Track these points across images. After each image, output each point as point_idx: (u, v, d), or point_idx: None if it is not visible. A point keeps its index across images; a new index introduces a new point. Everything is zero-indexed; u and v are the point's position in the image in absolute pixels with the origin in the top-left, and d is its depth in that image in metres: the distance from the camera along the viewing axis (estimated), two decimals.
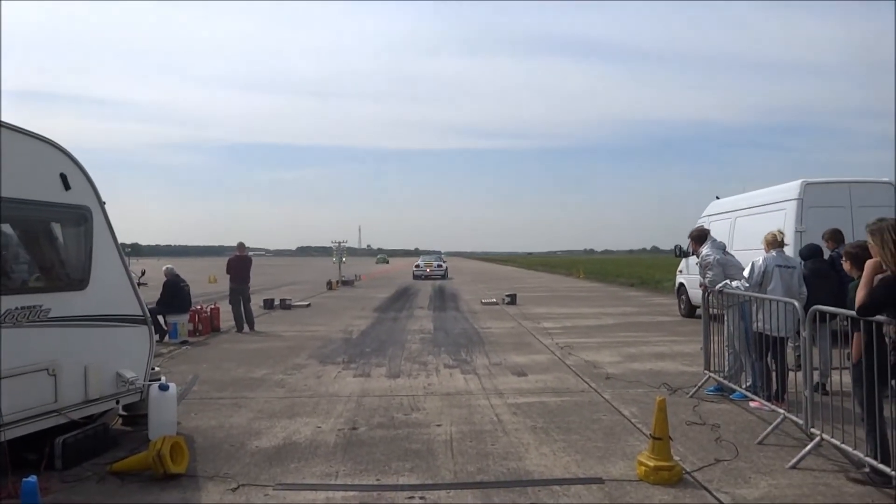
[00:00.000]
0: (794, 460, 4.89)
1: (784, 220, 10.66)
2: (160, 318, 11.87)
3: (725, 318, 7.15)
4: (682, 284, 16.01)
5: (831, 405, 5.07)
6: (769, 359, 6.36)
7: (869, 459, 4.41)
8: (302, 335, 13.03)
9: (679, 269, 16.34)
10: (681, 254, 15.55)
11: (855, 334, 4.58)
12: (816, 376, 6.13)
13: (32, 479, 3.85)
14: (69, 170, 5.27)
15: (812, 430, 5.05)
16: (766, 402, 6.09)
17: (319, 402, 7.15)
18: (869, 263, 4.42)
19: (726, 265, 7.31)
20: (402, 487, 4.53)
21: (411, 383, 8.14)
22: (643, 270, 42.09)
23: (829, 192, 10.95)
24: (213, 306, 14.17)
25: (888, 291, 4.20)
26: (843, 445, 4.70)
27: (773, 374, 6.42)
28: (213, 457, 5.22)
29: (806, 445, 5.01)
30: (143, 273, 10.72)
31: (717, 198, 14.93)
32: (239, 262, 14.17)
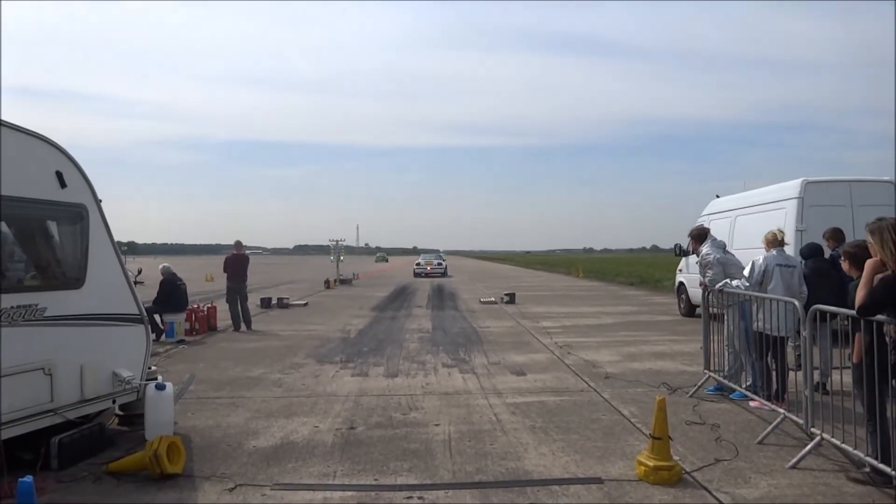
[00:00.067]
0: (795, 460, 4.88)
1: (784, 219, 10.66)
2: (157, 316, 11.82)
3: (725, 317, 7.13)
4: (681, 283, 15.99)
5: (832, 405, 5.08)
6: (769, 358, 6.35)
7: (869, 459, 4.40)
8: (299, 334, 13.00)
9: (679, 267, 16.33)
10: (681, 253, 15.54)
11: (856, 335, 4.56)
12: (817, 376, 6.11)
13: (28, 479, 3.84)
14: (65, 167, 5.24)
15: (812, 429, 5.04)
16: (766, 402, 6.07)
17: (317, 401, 7.13)
18: (869, 263, 4.42)
19: (726, 264, 7.30)
20: (401, 487, 4.52)
21: (409, 383, 8.12)
22: (643, 269, 42.12)
23: (829, 190, 10.94)
24: (209, 305, 14.13)
25: (888, 291, 4.19)
26: (843, 445, 4.68)
27: (774, 373, 6.41)
28: (210, 457, 5.20)
29: (806, 445, 5.00)
30: (139, 272, 10.68)
31: (718, 196, 14.92)
32: (236, 261, 14.13)
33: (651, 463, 4.54)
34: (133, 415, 5.97)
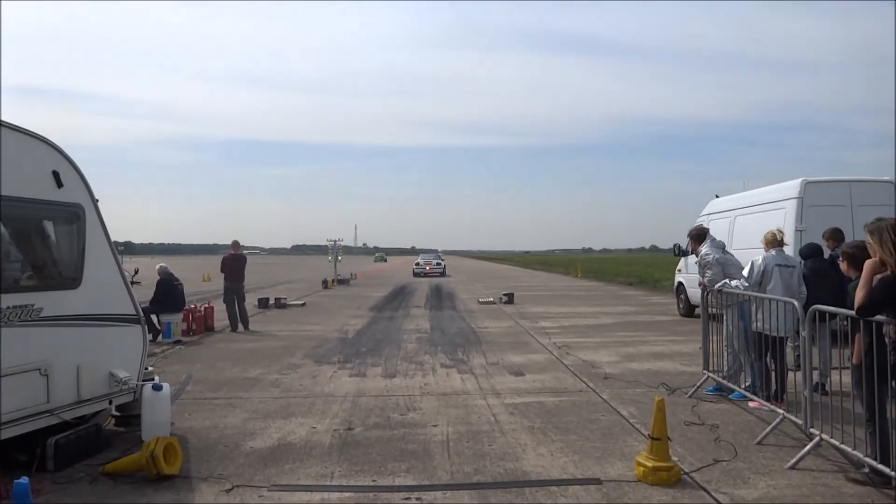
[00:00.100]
0: (794, 461, 4.87)
1: (784, 219, 10.64)
2: (154, 317, 11.78)
3: (724, 317, 7.12)
4: (680, 283, 15.97)
5: (831, 405, 5.07)
6: (768, 358, 6.35)
7: (868, 460, 4.40)
8: (297, 334, 12.97)
9: (678, 268, 16.32)
10: (680, 253, 15.53)
11: (856, 335, 4.55)
12: (816, 376, 6.11)
13: (24, 480, 3.85)
14: (62, 167, 5.21)
15: (811, 430, 5.03)
16: (765, 402, 6.07)
17: (315, 402, 7.10)
18: (868, 263, 4.41)
19: (726, 264, 7.29)
20: (399, 488, 4.50)
21: (408, 383, 8.10)
22: (642, 269, 42.12)
23: (829, 190, 10.93)
24: (207, 305, 14.09)
25: (887, 291, 4.19)
26: (842, 446, 4.68)
27: (773, 373, 6.40)
28: (207, 458, 5.18)
29: (805, 446, 4.99)
30: (136, 272, 10.65)
31: (717, 196, 14.91)
32: (233, 261, 14.10)
33: (650, 463, 4.53)
34: (130, 415, 5.94)
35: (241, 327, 13.59)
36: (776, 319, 5.97)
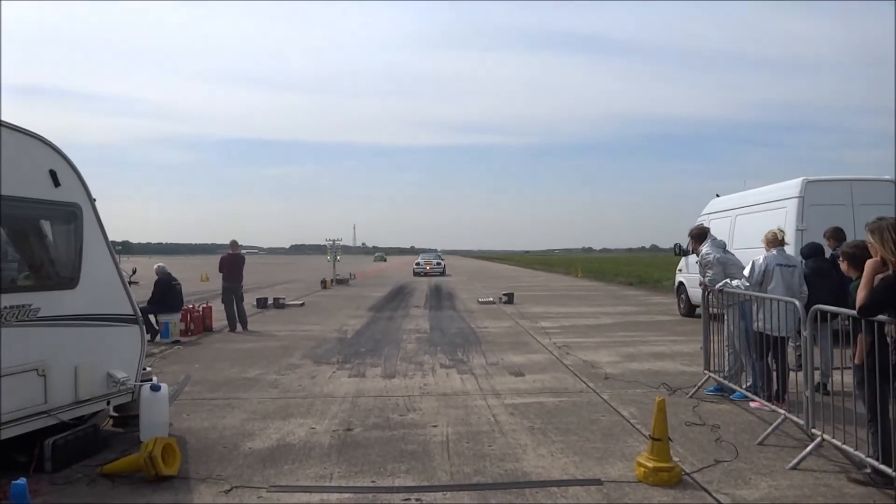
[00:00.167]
0: (795, 461, 4.85)
1: (785, 219, 10.63)
2: (151, 317, 11.76)
3: (725, 317, 7.10)
4: (681, 283, 15.95)
5: (832, 405, 5.04)
6: (770, 359, 6.32)
7: (870, 460, 4.38)
8: (296, 335, 12.94)
9: (678, 267, 16.29)
10: (680, 252, 15.51)
11: (858, 335, 4.52)
12: (817, 376, 6.09)
13: (22, 481, 3.85)
14: (59, 166, 5.19)
15: (813, 430, 5.01)
16: (766, 403, 6.05)
17: (314, 402, 7.08)
18: (869, 263, 4.40)
19: (726, 264, 7.27)
20: (398, 489, 4.48)
21: (407, 383, 8.08)
22: (642, 269, 42.10)
23: (830, 189, 10.91)
24: (205, 305, 14.04)
25: (889, 291, 4.18)
26: (844, 446, 4.66)
27: (774, 374, 6.38)
28: (205, 458, 5.16)
29: (807, 446, 4.97)
30: (134, 271, 10.63)
31: (718, 196, 14.89)
32: (232, 261, 14.06)
33: (651, 464, 4.51)
34: (128, 416, 5.92)
35: (239, 327, 13.56)
36: (777, 319, 5.95)
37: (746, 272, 6.84)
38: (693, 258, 9.45)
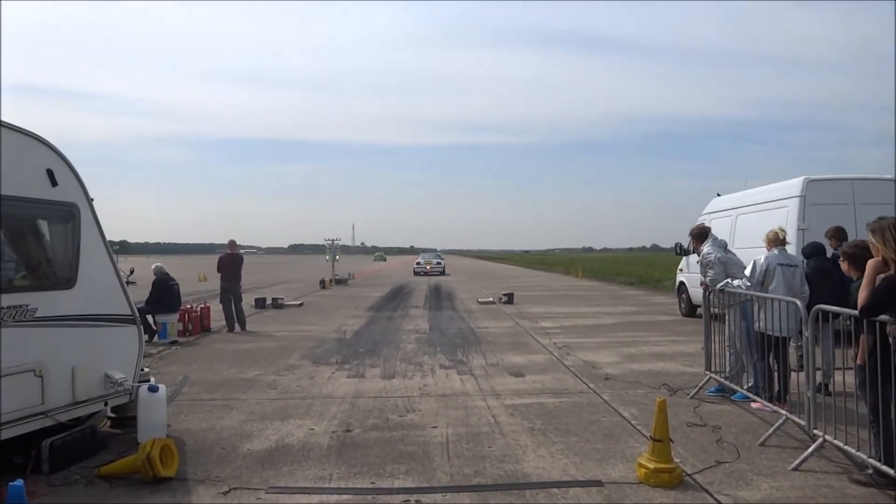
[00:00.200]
0: (797, 462, 4.84)
1: (786, 218, 10.61)
2: (149, 317, 11.72)
3: (727, 317, 7.07)
4: (682, 283, 15.92)
5: (834, 406, 5.03)
6: (771, 359, 6.30)
7: (872, 461, 4.36)
8: (294, 335, 12.91)
9: (679, 267, 16.27)
10: (681, 252, 15.49)
11: (861, 336, 4.51)
12: (819, 377, 6.07)
13: (19, 482, 3.83)
14: (56, 166, 5.17)
15: (815, 431, 4.99)
16: (767, 403, 6.03)
17: (312, 403, 7.06)
18: (871, 263, 4.39)
19: (728, 263, 7.26)
20: (398, 491, 4.47)
21: (406, 384, 8.05)
22: (643, 269, 42.09)
23: (832, 189, 10.88)
24: (203, 305, 13.99)
25: (891, 291, 4.17)
26: (846, 447, 4.64)
27: (775, 374, 6.37)
28: (203, 460, 5.14)
29: (808, 447, 4.95)
30: (131, 271, 10.60)
31: (719, 195, 14.85)
32: (230, 260, 14.02)
33: (652, 465, 4.50)
34: (125, 417, 5.90)
35: (237, 328, 13.52)
36: (779, 319, 5.93)
37: (748, 272, 6.81)
38: (694, 258, 9.42)
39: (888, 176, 11.05)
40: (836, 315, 4.91)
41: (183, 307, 12.86)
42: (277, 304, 18.98)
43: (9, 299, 4.69)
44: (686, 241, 11.03)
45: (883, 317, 4.19)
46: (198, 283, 30.49)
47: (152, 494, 4.42)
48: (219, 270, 14.04)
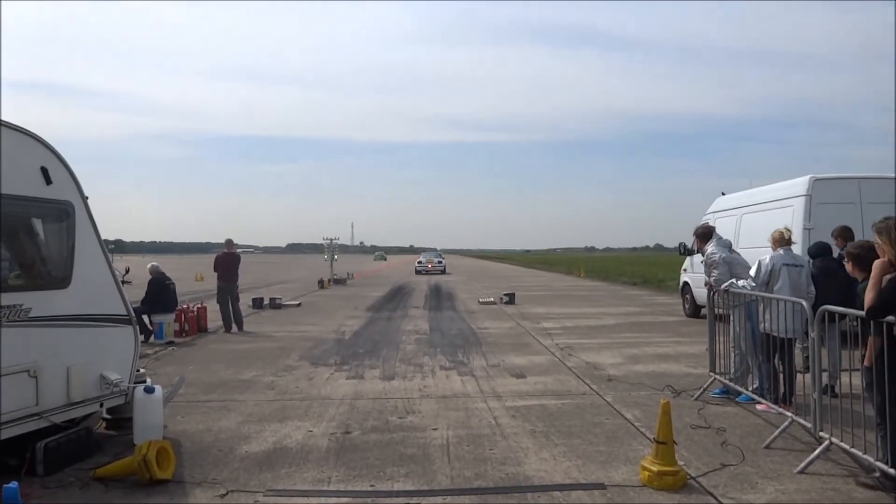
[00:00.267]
0: (803, 465, 4.80)
1: (792, 217, 10.53)
2: (145, 317, 11.66)
3: (731, 318, 7.02)
4: (686, 283, 15.85)
5: (840, 408, 4.97)
6: (776, 360, 6.28)
7: (880, 464, 4.32)
8: (292, 335, 12.86)
9: (683, 267, 16.23)
10: (685, 252, 15.45)
11: (868, 337, 4.46)
12: (825, 378, 6.01)
13: (13, 485, 3.86)
14: (50, 163, 5.12)
15: (821, 433, 4.95)
16: (773, 405, 6.00)
17: (311, 405, 7.01)
18: (877, 264, 4.37)
19: (732, 263, 7.22)
20: (398, 493, 4.44)
21: (406, 385, 8.00)
22: (646, 269, 42.16)
23: (838, 188, 10.81)
24: (199, 305, 13.93)
25: None
26: (852, 449, 4.60)
27: (781, 376, 6.33)
28: (200, 462, 5.10)
29: (814, 449, 4.92)
30: (127, 271, 10.54)
31: (723, 194, 14.80)
32: (227, 260, 13.94)
33: (655, 468, 4.47)
34: (121, 418, 5.84)
35: (235, 328, 13.46)
36: (784, 320, 5.88)
37: (752, 272, 6.76)
38: (698, 258, 9.38)
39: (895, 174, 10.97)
40: (843, 316, 4.87)
41: (179, 307, 12.81)
42: (275, 305, 18.92)
43: (3, 299, 4.63)
44: (690, 241, 10.98)
45: (890, 318, 4.15)
46: (194, 282, 30.50)
47: (148, 497, 4.38)
48: (215, 270, 13.95)
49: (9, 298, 4.69)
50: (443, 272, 44.53)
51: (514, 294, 20.80)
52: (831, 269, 6.97)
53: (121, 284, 5.91)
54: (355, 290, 28.12)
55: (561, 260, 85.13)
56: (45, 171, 5.03)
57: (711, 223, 11.28)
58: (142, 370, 6.32)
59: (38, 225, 5.34)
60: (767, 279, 6.61)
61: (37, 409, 4.84)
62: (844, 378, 6.08)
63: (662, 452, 4.48)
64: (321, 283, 29.56)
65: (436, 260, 47.19)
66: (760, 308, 6.38)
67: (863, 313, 4.34)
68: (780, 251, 6.74)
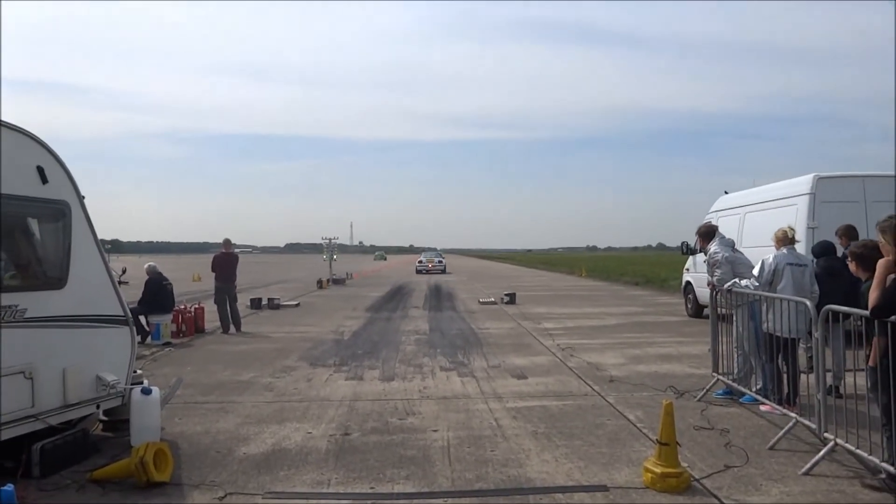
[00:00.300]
0: (807, 466, 4.76)
1: (795, 216, 10.50)
2: (142, 318, 11.62)
3: (734, 318, 6.98)
4: (688, 283, 15.80)
5: (845, 409, 4.96)
6: (780, 360, 6.23)
7: (885, 465, 4.30)
8: (291, 336, 12.82)
9: (686, 267, 16.19)
10: (688, 251, 15.41)
11: (874, 337, 4.43)
12: (829, 379, 6.00)
13: (9, 487, 3.85)
14: (46, 162, 5.08)
15: (825, 434, 4.91)
16: (777, 406, 5.97)
17: (310, 406, 6.97)
18: (881, 263, 4.35)
19: (735, 263, 7.18)
20: (398, 496, 4.42)
21: (406, 386, 7.96)
22: (648, 268, 42.13)
23: (842, 186, 10.76)
24: (197, 306, 13.88)
25: None
26: (857, 451, 4.57)
27: (785, 376, 6.29)
28: (198, 464, 5.07)
29: (819, 451, 4.88)
30: (123, 271, 10.53)
31: (726, 193, 14.76)
32: (224, 260, 13.88)
33: (658, 469, 4.44)
34: (118, 420, 5.82)
35: (232, 329, 13.40)
36: (788, 320, 5.84)
37: (756, 271, 6.73)
38: (701, 257, 9.34)
39: None
40: (847, 315, 4.84)
41: (177, 308, 12.76)
42: (273, 305, 18.88)
43: None
44: (693, 240, 10.93)
45: (895, 317, 4.12)
46: (192, 282, 30.43)
47: (146, 499, 4.36)
48: (213, 270, 13.90)
49: (4, 299, 4.66)
50: (443, 272, 45.21)
51: (514, 294, 20.77)
52: (835, 268, 6.94)
53: (117, 285, 5.88)
54: (354, 290, 28.10)
55: (562, 259, 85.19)
56: (41, 170, 5.00)
57: (714, 222, 11.24)
58: (139, 371, 6.33)
59: (33, 225, 5.31)
60: (771, 279, 6.57)
61: (33, 411, 4.81)
62: (849, 378, 6.05)
63: (665, 454, 4.45)
64: (320, 284, 29.52)
65: (436, 260, 48.14)
66: (763, 308, 6.34)
67: (867, 313, 4.32)
68: (784, 250, 6.70)
